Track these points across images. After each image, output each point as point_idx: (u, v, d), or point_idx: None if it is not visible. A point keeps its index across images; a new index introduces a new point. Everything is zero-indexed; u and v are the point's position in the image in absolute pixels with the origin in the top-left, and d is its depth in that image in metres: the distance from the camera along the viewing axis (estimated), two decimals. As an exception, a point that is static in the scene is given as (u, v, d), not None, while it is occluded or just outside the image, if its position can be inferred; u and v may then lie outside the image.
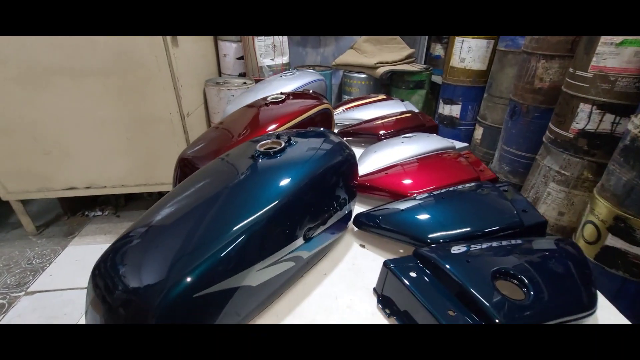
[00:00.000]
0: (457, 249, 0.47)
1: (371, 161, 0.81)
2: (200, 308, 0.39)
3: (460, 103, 2.05)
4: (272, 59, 2.10)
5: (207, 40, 2.10)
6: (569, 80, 1.18)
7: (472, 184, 0.63)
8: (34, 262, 1.66)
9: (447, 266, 0.43)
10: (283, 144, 0.55)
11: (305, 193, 0.49)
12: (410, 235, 0.54)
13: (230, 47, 2.16)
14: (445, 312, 0.40)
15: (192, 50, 1.82)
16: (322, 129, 0.68)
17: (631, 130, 0.98)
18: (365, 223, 0.60)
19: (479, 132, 1.94)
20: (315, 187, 0.51)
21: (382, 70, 2.29)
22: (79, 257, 1.72)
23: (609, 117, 1.10)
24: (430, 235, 0.53)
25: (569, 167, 1.24)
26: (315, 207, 0.51)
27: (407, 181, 0.70)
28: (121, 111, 1.56)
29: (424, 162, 0.76)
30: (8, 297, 1.46)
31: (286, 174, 0.50)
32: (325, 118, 0.98)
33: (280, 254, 0.46)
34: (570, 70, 1.18)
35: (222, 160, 0.55)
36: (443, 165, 0.74)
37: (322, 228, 0.52)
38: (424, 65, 2.43)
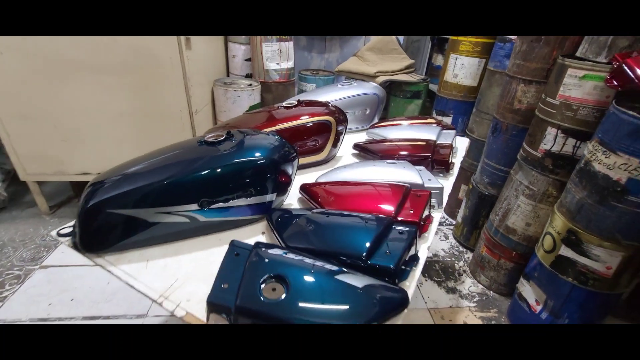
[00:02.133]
0: (278, 252, 0.61)
1: (337, 173, 0.96)
2: (111, 220, 0.66)
3: (452, 115, 2.18)
4: (278, 64, 2.23)
5: (218, 42, 2.23)
6: (541, 105, 1.31)
7: (376, 216, 0.70)
8: (47, 239, 1.81)
9: (249, 260, 0.58)
10: (223, 137, 0.77)
11: (208, 173, 0.70)
12: (280, 236, 0.70)
13: (239, 49, 2.29)
14: (222, 285, 0.55)
15: (204, 51, 1.95)
16: (275, 135, 0.86)
17: (585, 154, 1.11)
18: (269, 216, 0.77)
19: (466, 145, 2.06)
20: (219, 172, 0.71)
21: (381, 79, 2.42)
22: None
23: (571, 141, 1.23)
24: (286, 238, 0.68)
25: (536, 183, 1.37)
26: (214, 186, 0.71)
27: (331, 197, 0.81)
28: (135, 106, 1.70)
29: (366, 187, 0.84)
30: (24, 269, 1.61)
31: (205, 157, 0.73)
32: (324, 128, 1.10)
33: (176, 209, 0.69)
34: (543, 96, 1.31)
35: (189, 140, 0.81)
36: (374, 194, 0.81)
37: (220, 204, 0.72)
38: (422, 77, 2.56)
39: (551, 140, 1.28)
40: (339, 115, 1.16)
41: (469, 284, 1.69)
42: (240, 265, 0.59)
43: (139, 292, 0.62)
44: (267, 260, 0.58)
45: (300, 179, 0.98)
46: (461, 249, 1.95)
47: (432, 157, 1.05)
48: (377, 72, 2.42)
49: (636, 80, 0.97)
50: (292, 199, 0.91)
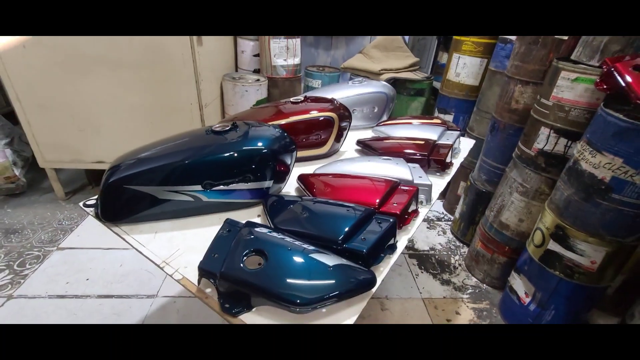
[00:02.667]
0: (264, 231, 0.69)
1: (334, 166, 1.03)
2: (127, 195, 0.76)
3: (453, 113, 2.23)
4: (285, 60, 2.30)
5: (227, 38, 2.30)
6: (536, 106, 1.37)
7: (358, 206, 0.76)
8: (63, 223, 1.91)
9: (237, 235, 0.67)
10: (229, 127, 0.86)
11: (212, 158, 0.80)
12: (270, 219, 0.78)
13: (247, 44, 2.36)
14: (213, 255, 0.65)
15: (214, 47, 2.03)
16: (277, 128, 0.94)
17: (574, 154, 1.16)
18: (264, 201, 0.84)
19: (466, 142, 2.12)
20: (221, 158, 0.80)
21: (385, 76, 2.47)
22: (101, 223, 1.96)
23: (563, 141, 1.28)
24: (275, 220, 0.76)
25: (529, 181, 1.43)
26: (216, 170, 0.80)
27: (324, 188, 0.89)
28: (148, 99, 1.78)
29: (356, 180, 0.91)
30: (43, 250, 1.71)
31: (210, 144, 0.82)
32: (327, 124, 1.17)
33: (183, 189, 0.78)
34: (538, 97, 1.36)
35: (198, 129, 0.90)
36: (363, 187, 0.88)
37: (222, 187, 0.80)
38: (426, 75, 2.60)
39: (544, 140, 1.33)
40: (344, 112, 1.22)
41: (463, 277, 1.76)
42: (230, 239, 0.68)
43: (146, 266, 0.71)
44: (252, 236, 0.67)
45: (301, 170, 1.05)
46: (458, 243, 2.01)
47: (429, 155, 1.11)
48: (382, 70, 2.47)
49: (623, 85, 1.02)
50: (291, 188, 0.99)
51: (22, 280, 1.53)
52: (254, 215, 0.86)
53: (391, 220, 0.75)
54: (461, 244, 2.00)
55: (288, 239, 0.68)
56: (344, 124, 1.24)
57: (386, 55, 2.72)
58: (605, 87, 1.07)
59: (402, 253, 1.87)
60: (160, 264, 0.72)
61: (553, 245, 1.24)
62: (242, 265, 0.62)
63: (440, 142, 1.21)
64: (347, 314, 0.62)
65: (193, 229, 0.81)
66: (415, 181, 0.95)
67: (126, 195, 0.78)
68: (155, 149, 0.83)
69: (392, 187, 0.88)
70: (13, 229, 1.83)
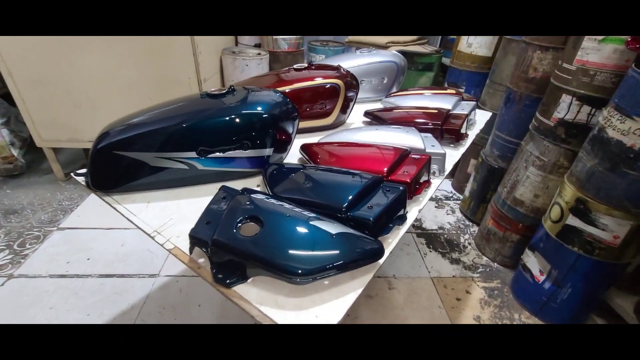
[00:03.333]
0: (260, 197, 0.64)
1: (339, 135, 0.96)
2: (116, 161, 0.71)
3: (464, 87, 2.12)
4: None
5: (225, 10, 2.19)
6: (557, 72, 1.26)
7: (365, 174, 0.70)
8: (63, 203, 1.88)
9: (232, 201, 0.62)
10: (225, 91, 0.79)
11: (205, 122, 0.74)
12: (270, 187, 0.72)
13: (247, 17, 2.25)
14: (206, 222, 0.60)
15: (211, 19, 1.93)
16: (278, 93, 0.87)
17: (600, 121, 1.07)
18: (264, 170, 0.79)
19: (478, 117, 2.02)
20: (216, 122, 0.74)
21: (392, 49, 2.35)
22: (102, 202, 1.92)
23: (586, 109, 1.19)
24: (275, 189, 0.71)
25: (547, 153, 1.34)
26: (211, 135, 0.74)
27: (328, 157, 0.83)
28: (145, 73, 1.71)
29: (363, 148, 0.84)
30: (43, 230, 1.68)
31: (204, 107, 0.77)
32: (332, 92, 1.09)
33: (176, 155, 0.73)
34: (559, 62, 1.26)
35: (192, 94, 0.84)
36: (370, 155, 0.81)
37: (218, 154, 0.75)
38: (435, 48, 2.47)
39: (565, 109, 1.24)
40: (351, 79, 1.14)
41: (473, 256, 1.70)
42: (224, 206, 0.63)
43: (148, 245, 0.66)
44: (248, 202, 0.62)
45: (305, 141, 0.98)
46: (467, 222, 1.95)
47: (442, 125, 1.03)
48: (389, 43, 2.35)
49: (659, 40, 0.92)
50: (293, 159, 0.92)
51: (22, 260, 1.50)
52: (252, 185, 0.80)
53: (401, 188, 0.68)
54: (471, 223, 1.94)
55: (287, 205, 0.62)
56: (350, 93, 1.16)
57: (393, 28, 2.60)
58: (638, 46, 0.97)
59: (410, 232, 1.82)
60: (151, 233, 0.67)
61: (572, 220, 1.16)
62: (235, 231, 0.56)
63: (454, 112, 1.13)
64: (351, 287, 0.56)
65: (187, 199, 0.75)
66: (427, 150, 0.88)
67: (116, 162, 0.72)
68: (148, 114, 0.77)
69: (402, 155, 0.81)
70: (13, 210, 1.80)
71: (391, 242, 0.66)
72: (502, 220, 1.57)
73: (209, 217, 0.63)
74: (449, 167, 0.93)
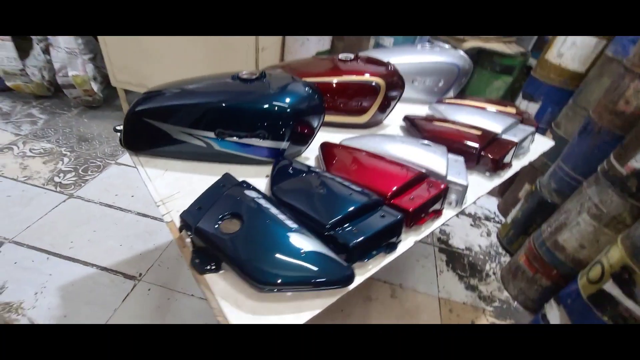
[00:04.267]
0: (253, 195, 0.64)
1: (362, 140, 0.92)
2: (145, 127, 0.78)
3: (540, 102, 1.86)
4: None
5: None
6: (651, 112, 1.05)
7: (366, 193, 0.67)
8: (125, 141, 2.11)
9: (224, 195, 0.64)
10: (256, 76, 0.81)
11: (224, 105, 0.76)
12: (271, 183, 0.74)
13: (321, -12, 2.17)
14: (197, 207, 0.63)
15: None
16: (307, 86, 0.85)
17: (683, 186, 0.88)
18: (275, 162, 0.80)
19: (546, 140, 1.78)
20: (234, 107, 0.77)
21: (469, 44, 2.12)
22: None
23: (673, 165, 0.98)
24: (274, 186, 0.72)
25: (608, 204, 1.15)
26: (228, 119, 0.77)
27: (339, 162, 0.82)
28: (207, 38, 1.78)
29: (378, 161, 0.80)
30: (104, 161, 1.93)
31: (228, 90, 0.80)
32: (370, 90, 1.03)
33: (196, 132, 0.77)
34: (658, 101, 1.03)
35: (226, 73, 0.86)
36: (382, 171, 0.77)
37: (234, 139, 0.78)
38: (521, 49, 2.18)
39: (647, 159, 1.03)
40: (395, 79, 1.07)
41: (493, 288, 1.58)
42: (220, 195, 0.65)
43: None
44: (237, 198, 0.63)
45: (334, 136, 0.96)
46: (500, 250, 1.79)
47: (482, 150, 0.92)
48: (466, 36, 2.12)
49: None
50: (313, 153, 0.91)
51: (82, 184, 1.75)
52: (263, 173, 0.82)
53: (398, 217, 0.65)
54: (504, 252, 1.78)
55: (274, 210, 0.62)
56: (393, 93, 1.09)
57: (478, 19, 2.32)
58: None
59: (431, 244, 1.74)
60: (157, 202, 0.73)
61: (611, 287, 1.01)
62: (216, 226, 0.59)
63: (503, 136, 1.01)
64: (312, 305, 0.56)
65: (201, 175, 0.80)
66: (448, 177, 0.80)
67: (145, 128, 0.79)
68: (182, 86, 0.82)
69: (416, 178, 0.75)
70: (85, 138, 2.08)
71: (371, 268, 0.64)
72: (535, 261, 1.42)
73: (202, 202, 0.66)
74: (471, 199, 0.85)
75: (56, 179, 1.75)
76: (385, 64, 1.11)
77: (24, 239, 1.44)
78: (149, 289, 1.32)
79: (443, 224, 0.79)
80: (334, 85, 1.02)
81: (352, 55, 1.11)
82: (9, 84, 2.16)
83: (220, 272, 0.60)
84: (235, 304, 0.56)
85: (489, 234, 1.89)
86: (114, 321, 1.21)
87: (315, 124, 0.87)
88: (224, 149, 0.80)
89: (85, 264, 1.38)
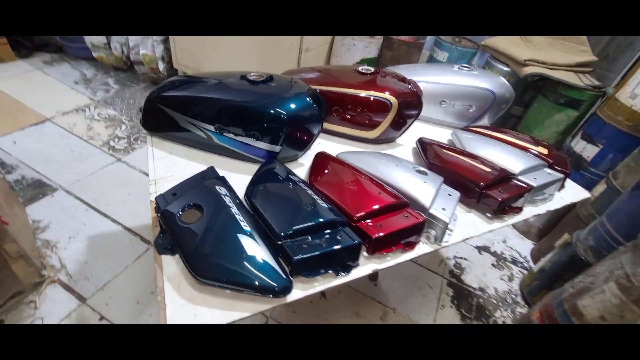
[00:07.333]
0: (222, 191, 0.68)
1: (357, 157, 0.91)
2: (158, 112, 0.87)
3: (601, 147, 1.64)
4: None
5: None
6: None
7: (332, 210, 0.68)
8: (175, 118, 2.33)
9: (198, 186, 0.69)
10: (263, 79, 0.86)
11: (223, 103, 0.82)
12: (250, 183, 0.77)
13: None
14: (173, 192, 0.68)
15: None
16: (310, 94, 0.88)
17: None
18: (263, 164, 0.84)
19: (599, 189, 1.56)
20: (232, 106, 0.82)
21: (530, 70, 1.93)
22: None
23: None
24: (249, 187, 0.75)
25: (642, 277, 0.99)
26: (226, 116, 0.82)
27: (323, 176, 0.83)
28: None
29: (362, 181, 0.79)
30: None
31: (231, 89, 0.85)
32: (380, 107, 1.01)
33: (199, 124, 0.84)
34: None
35: (237, 72, 0.91)
36: (362, 192, 0.76)
37: (231, 135, 0.83)
38: (594, 83, 1.92)
39: (696, 235, 0.86)
40: (412, 99, 1.04)
41: (498, 337, 1.44)
42: (195, 185, 0.69)
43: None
44: (206, 191, 0.67)
45: (340, 147, 0.99)
46: (518, 299, 1.63)
47: (485, 188, 0.85)
48: (529, 60, 1.94)
49: None
50: (309, 160, 0.92)
51: (130, 152, 1.97)
52: (253, 171, 0.86)
53: (355, 241, 0.64)
54: (522, 302, 1.61)
55: (234, 210, 0.65)
56: (410, 112, 1.06)
57: (551, 42, 2.11)
58: None
59: (441, 275, 1.64)
60: (150, 180, 0.81)
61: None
62: (178, 214, 0.64)
63: (521, 177, 0.92)
64: (244, 307, 0.58)
65: (198, 163, 0.86)
66: (430, 210, 0.76)
67: (159, 112, 0.88)
68: (200, 79, 0.91)
69: (395, 205, 0.73)
70: (143, 110, 2.33)
71: (317, 286, 0.64)
72: (549, 321, 1.27)
73: (178, 189, 0.72)
74: (454, 239, 0.80)
75: (111, 143, 2.00)
76: (407, 82, 1.08)
77: (74, 189, 1.68)
78: (158, 256, 1.46)
79: (457, 257, 0.76)
80: (345, 96, 1.02)
81: (372, 69, 1.10)
82: (94, 54, 2.50)
83: (176, 256, 0.65)
84: (177, 288, 0.60)
85: (510, 279, 1.72)
86: (123, 277, 1.36)
87: (311, 131, 0.88)
88: (222, 143, 0.86)
89: (114, 221, 1.57)
